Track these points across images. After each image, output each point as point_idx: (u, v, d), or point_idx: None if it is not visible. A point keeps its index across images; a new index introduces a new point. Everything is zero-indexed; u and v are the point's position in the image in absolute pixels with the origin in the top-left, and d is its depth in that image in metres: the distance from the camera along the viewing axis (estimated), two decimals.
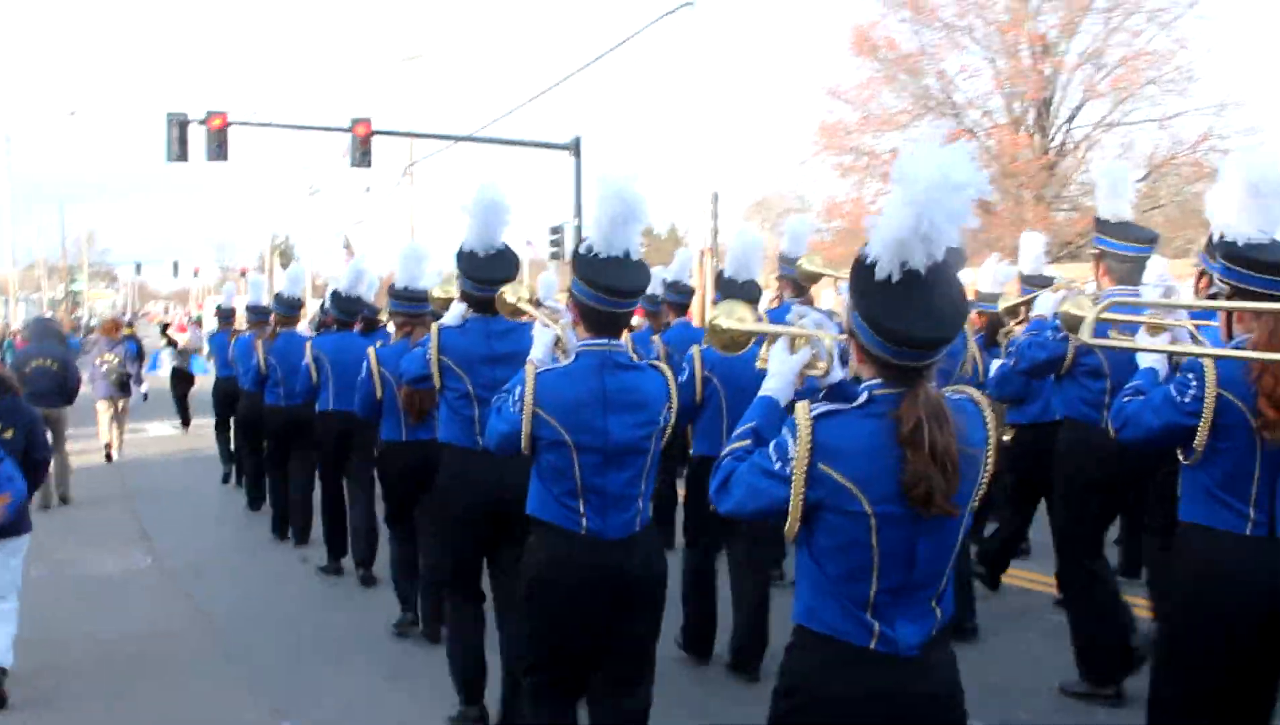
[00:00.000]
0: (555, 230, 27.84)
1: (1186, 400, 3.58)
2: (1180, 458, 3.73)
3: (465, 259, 5.06)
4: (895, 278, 2.53)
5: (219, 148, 23.23)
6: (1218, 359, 3.58)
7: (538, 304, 5.23)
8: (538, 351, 4.15)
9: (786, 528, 2.66)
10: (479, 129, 30.15)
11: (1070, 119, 28.37)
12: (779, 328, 3.24)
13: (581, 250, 3.83)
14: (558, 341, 4.17)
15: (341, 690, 6.03)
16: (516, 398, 3.81)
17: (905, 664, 2.64)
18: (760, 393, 3.04)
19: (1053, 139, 28.27)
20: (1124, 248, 5.19)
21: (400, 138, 32.49)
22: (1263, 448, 3.53)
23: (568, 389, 3.80)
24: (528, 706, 4.19)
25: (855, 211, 28.86)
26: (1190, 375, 3.60)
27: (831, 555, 2.65)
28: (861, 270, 2.59)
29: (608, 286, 3.78)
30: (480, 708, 5.28)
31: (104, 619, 7.58)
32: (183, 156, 23.32)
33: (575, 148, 25.77)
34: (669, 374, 4.01)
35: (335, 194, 66.74)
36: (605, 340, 3.86)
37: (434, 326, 5.27)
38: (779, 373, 3.06)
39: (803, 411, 2.64)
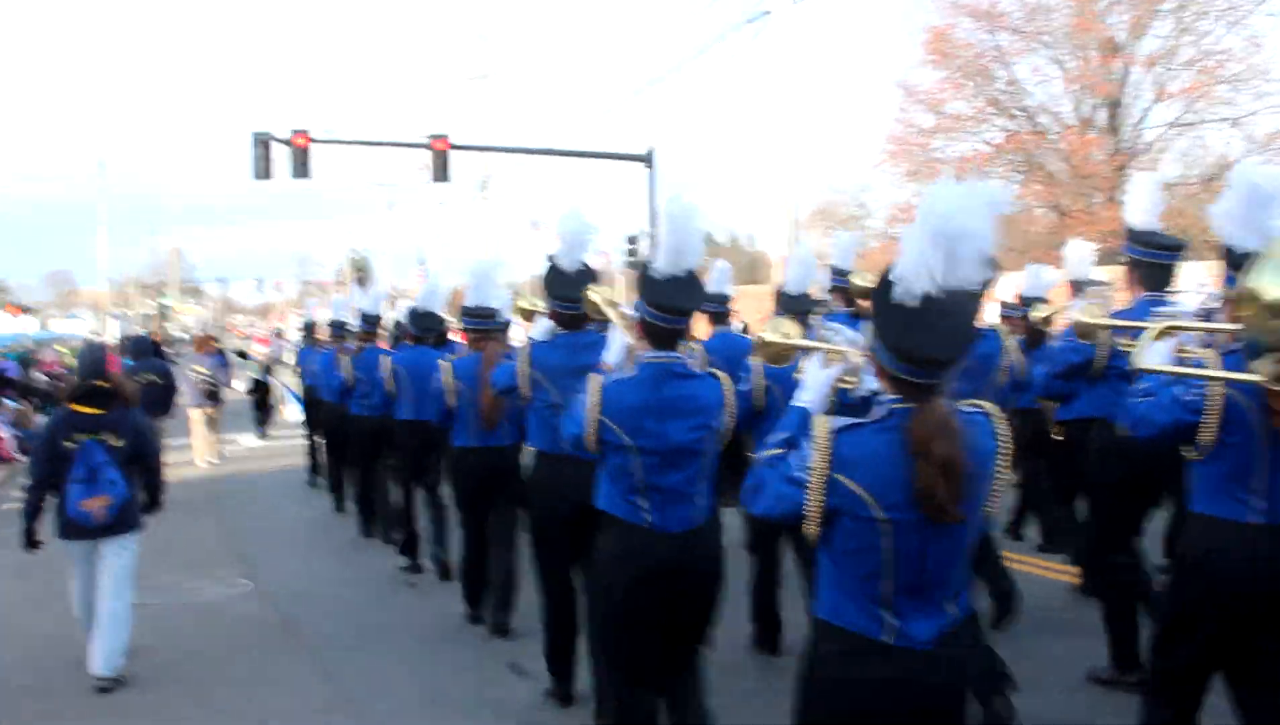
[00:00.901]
0: (631, 240, 28.31)
1: (1191, 398, 3.89)
2: (1188, 453, 4.02)
3: (553, 281, 5.54)
4: (912, 303, 2.77)
5: (302, 165, 24.12)
6: (1224, 365, 3.86)
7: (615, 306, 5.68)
8: (612, 355, 4.50)
9: (809, 530, 2.91)
10: (553, 142, 30.72)
11: (1140, 120, 28.16)
12: (815, 343, 3.56)
13: (647, 272, 4.23)
14: (631, 348, 4.46)
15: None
16: (583, 403, 4.22)
17: (919, 657, 2.87)
18: (794, 403, 3.27)
19: (1124, 140, 28.09)
20: (1153, 255, 5.47)
21: (476, 153, 33.03)
22: (1268, 442, 3.80)
23: (629, 397, 4.18)
24: (606, 687, 4.66)
25: None
26: None
27: (848, 557, 2.90)
28: (882, 293, 2.84)
29: (669, 306, 4.16)
30: (567, 686, 5.92)
31: (206, 654, 7.28)
32: (267, 174, 24.23)
33: (649, 159, 26.18)
34: (726, 382, 4.38)
35: (411, 208, 67.84)
36: (665, 353, 4.23)
37: (526, 342, 5.75)
38: (812, 386, 3.29)
39: (821, 426, 2.88)
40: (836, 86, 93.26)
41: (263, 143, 24.00)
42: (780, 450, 3.05)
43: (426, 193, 46.54)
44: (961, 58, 28.75)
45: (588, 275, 5.55)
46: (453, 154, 25.55)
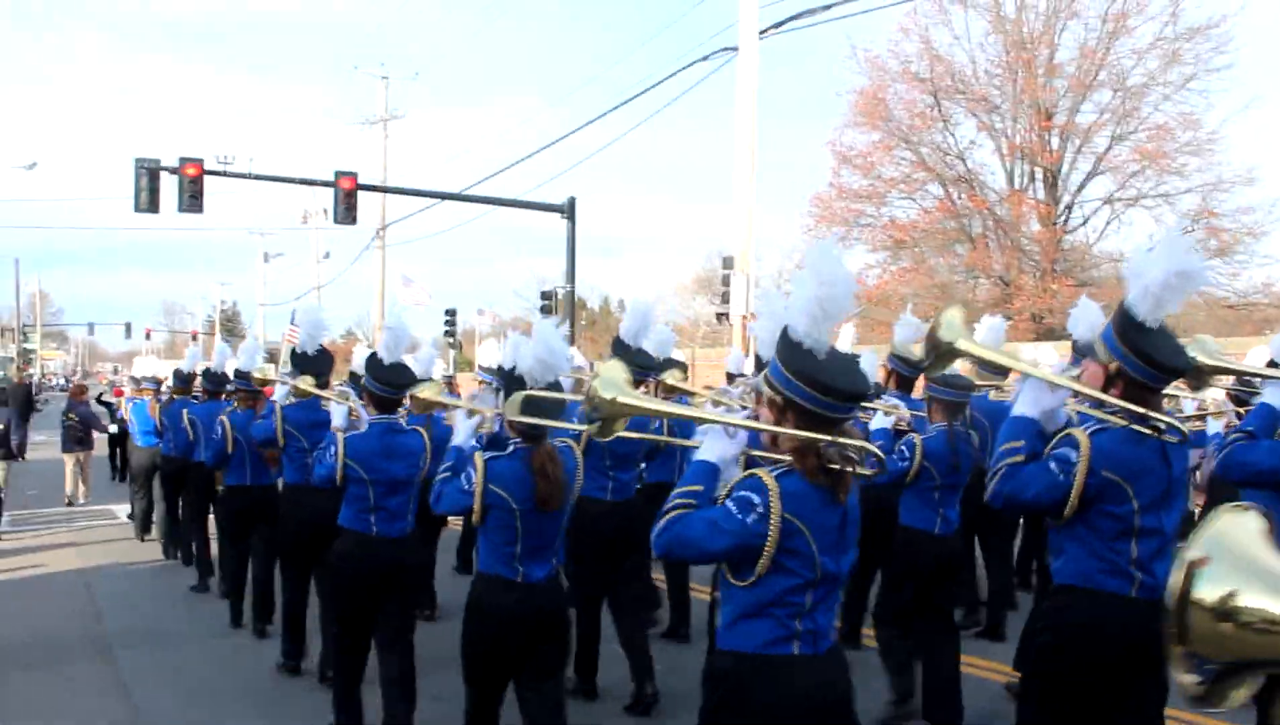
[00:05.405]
0: (546, 296, 26.20)
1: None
2: None
3: (296, 359, 7.74)
4: (533, 389, 4.86)
5: (193, 198, 21.74)
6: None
7: (327, 386, 7.87)
8: (337, 419, 6.46)
9: (475, 518, 4.86)
10: (466, 188, 28.35)
11: (1079, 190, 27.12)
12: (455, 402, 6.11)
13: (374, 357, 6.11)
14: (351, 411, 6.49)
15: None
16: (332, 452, 6.06)
17: (537, 589, 4.91)
18: (452, 444, 5.20)
19: (1061, 213, 26.91)
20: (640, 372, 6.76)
21: (376, 198, 30.58)
22: None
23: (364, 445, 6.07)
24: (333, 653, 6.33)
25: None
26: None
27: (497, 532, 4.86)
28: (512, 381, 4.94)
29: (389, 382, 6.06)
30: (301, 649, 7.80)
31: None
32: (152, 207, 21.80)
33: (569, 210, 24.06)
34: (425, 435, 6.36)
35: (290, 261, 64.77)
36: (388, 415, 6.17)
37: (278, 406, 7.78)
38: (462, 431, 5.24)
39: (479, 458, 4.85)
40: (773, 141, 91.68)
41: (150, 172, 21.40)
42: (449, 474, 5.02)
43: (308, 246, 43.73)
44: (901, 116, 27.30)
45: (324, 355, 7.83)
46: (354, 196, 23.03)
